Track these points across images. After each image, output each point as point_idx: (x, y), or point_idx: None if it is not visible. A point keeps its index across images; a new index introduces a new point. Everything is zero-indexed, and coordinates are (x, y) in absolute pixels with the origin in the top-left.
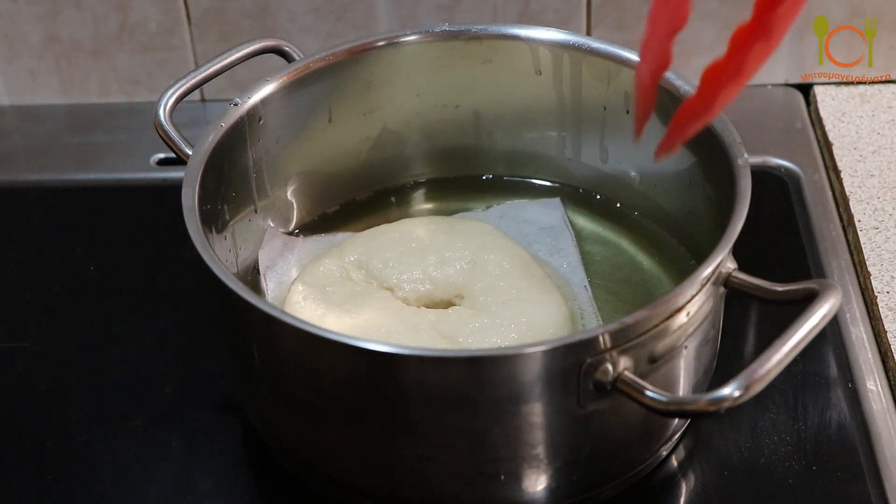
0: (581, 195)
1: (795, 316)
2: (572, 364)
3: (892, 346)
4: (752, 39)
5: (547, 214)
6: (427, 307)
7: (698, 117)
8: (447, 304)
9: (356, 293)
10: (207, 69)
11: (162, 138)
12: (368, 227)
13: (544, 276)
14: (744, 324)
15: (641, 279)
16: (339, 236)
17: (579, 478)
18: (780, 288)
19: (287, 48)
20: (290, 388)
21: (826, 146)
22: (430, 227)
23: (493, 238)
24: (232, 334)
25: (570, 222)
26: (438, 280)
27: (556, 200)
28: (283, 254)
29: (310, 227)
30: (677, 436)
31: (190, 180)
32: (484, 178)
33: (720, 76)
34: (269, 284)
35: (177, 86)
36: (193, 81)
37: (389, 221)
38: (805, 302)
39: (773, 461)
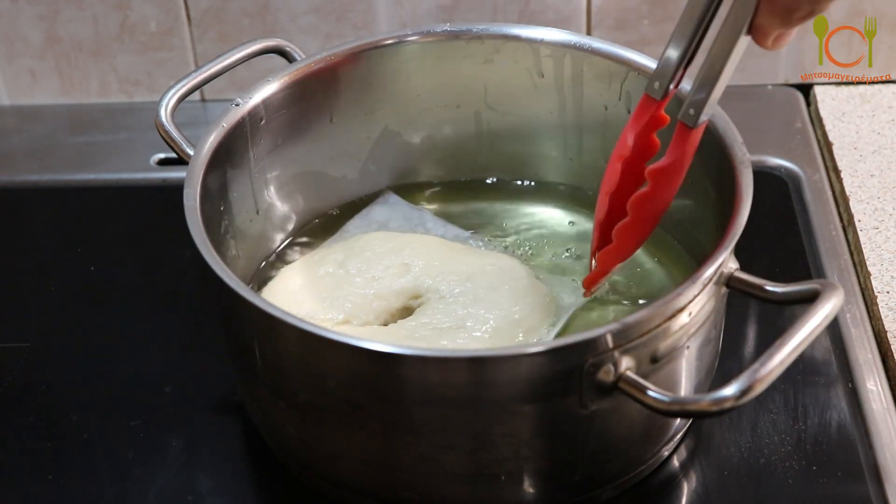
0: (583, 195)
1: (797, 316)
2: (574, 364)
3: (892, 346)
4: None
5: (396, 209)
6: (388, 322)
7: (615, 260)
8: (407, 311)
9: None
10: (209, 69)
11: (163, 138)
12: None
13: (466, 246)
14: (745, 324)
15: (643, 279)
16: None
17: (581, 478)
18: (781, 288)
19: (288, 48)
20: (291, 388)
21: (826, 146)
22: (328, 259)
23: (395, 240)
24: (232, 334)
25: (573, 222)
26: (384, 293)
27: (388, 192)
28: None
29: (310, 228)
30: (679, 436)
31: (192, 181)
32: (486, 178)
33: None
34: None
35: (178, 86)
36: (195, 82)
37: None
38: (807, 302)
39: (774, 461)
